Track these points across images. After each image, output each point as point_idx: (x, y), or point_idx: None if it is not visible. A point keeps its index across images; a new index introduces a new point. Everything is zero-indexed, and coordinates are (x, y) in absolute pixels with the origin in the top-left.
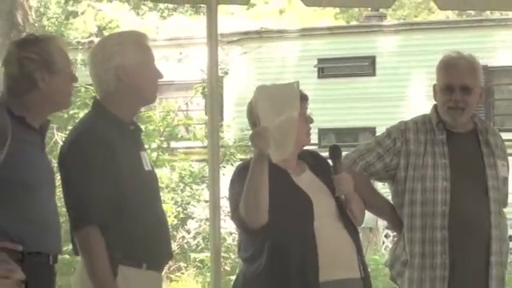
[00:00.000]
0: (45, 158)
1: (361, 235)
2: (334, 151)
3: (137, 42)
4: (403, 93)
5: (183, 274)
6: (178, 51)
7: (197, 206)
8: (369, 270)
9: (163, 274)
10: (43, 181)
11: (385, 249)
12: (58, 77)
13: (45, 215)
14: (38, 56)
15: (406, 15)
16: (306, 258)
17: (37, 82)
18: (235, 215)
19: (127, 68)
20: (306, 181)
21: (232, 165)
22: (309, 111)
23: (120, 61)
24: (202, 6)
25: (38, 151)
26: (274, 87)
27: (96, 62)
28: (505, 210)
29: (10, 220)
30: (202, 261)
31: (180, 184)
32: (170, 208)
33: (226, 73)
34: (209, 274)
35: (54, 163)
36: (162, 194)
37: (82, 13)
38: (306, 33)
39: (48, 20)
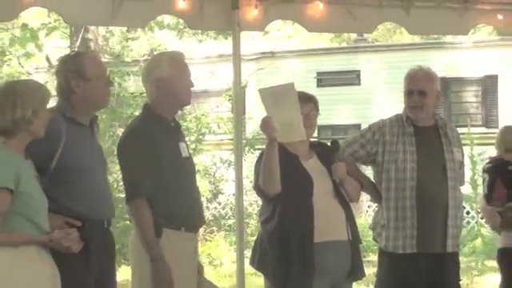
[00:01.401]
0: (95, 147)
1: (353, 207)
2: (334, 145)
3: (171, 59)
4: (381, 98)
5: (215, 235)
6: (210, 67)
7: (225, 184)
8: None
9: (200, 235)
10: (94, 164)
11: (368, 216)
12: (91, 83)
13: (98, 189)
14: (74, 67)
15: (383, 38)
16: (305, 222)
17: (73, 89)
18: (256, 186)
19: (163, 79)
20: (312, 165)
21: (252, 153)
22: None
23: (157, 74)
24: (228, 32)
25: (88, 142)
26: (274, 87)
27: (144, 76)
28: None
29: (71, 196)
30: (229, 225)
31: (213, 167)
32: (205, 185)
33: (246, 85)
34: (234, 236)
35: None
36: (199, 175)
37: (138, 38)
38: (308, 52)
39: (112, 44)
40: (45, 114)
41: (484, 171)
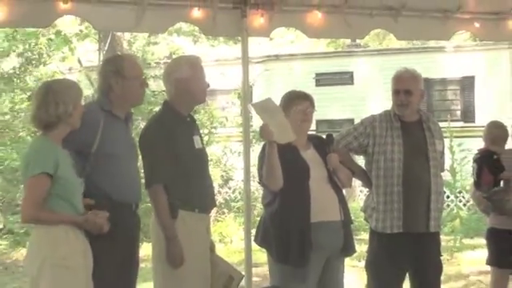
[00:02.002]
0: (128, 138)
1: (345, 192)
2: (328, 138)
3: (189, 62)
4: (371, 96)
5: (226, 216)
6: (221, 68)
7: (235, 171)
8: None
9: (212, 217)
10: (126, 152)
11: (360, 200)
12: (128, 82)
13: (129, 176)
14: (114, 68)
15: (373, 43)
16: (302, 205)
17: (112, 86)
18: (261, 181)
19: (182, 80)
20: (310, 155)
21: (259, 144)
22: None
23: (177, 75)
24: (238, 38)
25: (122, 133)
26: (259, 102)
27: (164, 77)
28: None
29: (105, 180)
30: (238, 208)
31: (224, 157)
32: (217, 173)
33: (253, 85)
34: (243, 217)
35: None
36: (212, 164)
37: (159, 43)
38: (308, 56)
39: (136, 48)
40: (81, 107)
41: (473, 161)
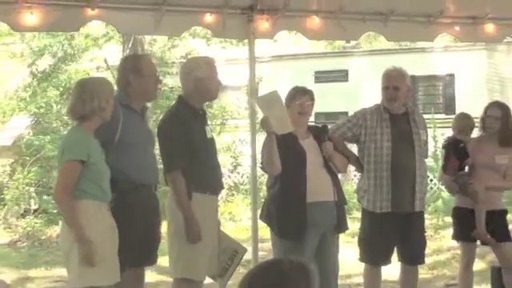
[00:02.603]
0: (145, 128)
1: (340, 176)
2: (323, 128)
3: (206, 62)
4: (364, 91)
5: (235, 198)
6: (231, 67)
7: (243, 158)
8: (345, 195)
9: (223, 198)
10: (144, 141)
11: (354, 183)
12: (145, 79)
13: (148, 161)
14: (131, 65)
15: (366, 44)
16: (299, 187)
17: (130, 81)
18: (262, 167)
19: (201, 79)
20: (308, 143)
21: (264, 134)
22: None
23: (196, 74)
24: (245, 40)
25: (139, 124)
26: (264, 95)
27: (182, 75)
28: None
29: (127, 165)
30: (246, 190)
31: (234, 145)
32: (227, 159)
33: (260, 80)
34: (250, 198)
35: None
36: (223, 151)
37: (177, 45)
38: (308, 56)
39: (155, 49)
40: (112, 102)
41: (442, 147)
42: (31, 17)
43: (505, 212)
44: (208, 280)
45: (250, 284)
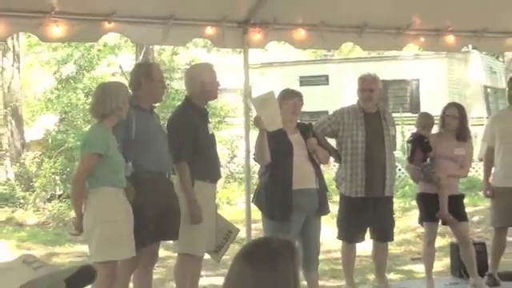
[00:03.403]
0: (156, 124)
1: (323, 167)
2: (310, 126)
3: (208, 68)
4: (342, 94)
5: (231, 184)
6: (229, 72)
7: (239, 150)
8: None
9: (221, 185)
10: (156, 135)
11: (333, 172)
12: (154, 84)
13: (160, 152)
14: (143, 71)
15: (344, 53)
16: (286, 176)
17: (141, 85)
18: (254, 158)
19: (205, 83)
20: (295, 138)
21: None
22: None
23: (202, 78)
24: (241, 49)
25: (150, 121)
26: (261, 95)
27: (188, 79)
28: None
29: (144, 158)
30: (241, 178)
31: (231, 139)
32: (225, 152)
33: (253, 84)
34: (244, 184)
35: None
36: (221, 144)
37: (179, 53)
38: (295, 63)
39: (164, 56)
40: (127, 103)
41: (408, 142)
42: (57, 29)
43: (462, 196)
44: (207, 256)
45: (244, 258)
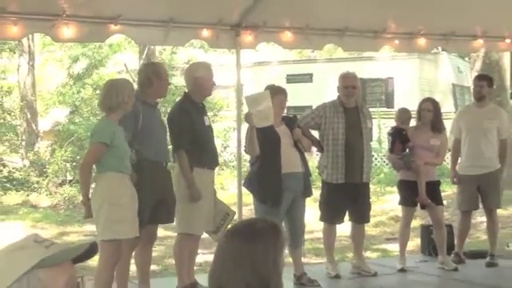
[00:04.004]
0: (158, 118)
1: (306, 154)
2: (293, 118)
3: (203, 66)
4: (324, 90)
5: (224, 171)
6: (223, 70)
7: (231, 140)
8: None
9: (216, 172)
10: (158, 127)
11: (316, 160)
12: (162, 82)
13: (160, 143)
14: (154, 70)
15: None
16: (275, 162)
17: (153, 82)
18: (245, 150)
19: (199, 78)
20: (281, 130)
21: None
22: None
23: (196, 75)
24: (234, 50)
25: (154, 115)
26: (256, 94)
27: (186, 76)
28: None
29: (147, 147)
30: (233, 166)
31: (224, 131)
32: (219, 142)
33: (245, 81)
34: (236, 171)
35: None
36: (216, 136)
37: (176, 52)
38: (282, 62)
39: (165, 55)
40: (133, 97)
41: (388, 134)
42: (68, 30)
43: (438, 182)
44: (205, 235)
45: (231, 235)
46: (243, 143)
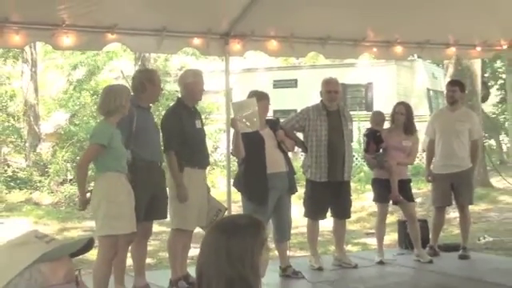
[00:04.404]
0: (152, 121)
1: (291, 155)
2: (276, 121)
3: (194, 73)
4: (308, 95)
5: (215, 171)
6: (213, 77)
7: (221, 142)
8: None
9: (207, 171)
10: (152, 129)
11: (301, 160)
12: (155, 86)
13: (154, 144)
14: (148, 77)
15: (310, 60)
16: (261, 162)
17: (146, 87)
18: (231, 153)
19: (189, 85)
20: (266, 132)
21: None
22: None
23: (186, 80)
24: (223, 57)
25: (148, 118)
26: (244, 100)
27: (179, 82)
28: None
29: (141, 148)
30: (223, 165)
31: (215, 133)
32: (210, 143)
33: (233, 87)
34: (226, 170)
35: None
36: (207, 137)
37: (169, 59)
38: (269, 69)
39: (159, 62)
40: (129, 102)
41: (364, 135)
42: (67, 39)
43: (409, 181)
44: (197, 230)
45: (214, 227)
46: (231, 146)
